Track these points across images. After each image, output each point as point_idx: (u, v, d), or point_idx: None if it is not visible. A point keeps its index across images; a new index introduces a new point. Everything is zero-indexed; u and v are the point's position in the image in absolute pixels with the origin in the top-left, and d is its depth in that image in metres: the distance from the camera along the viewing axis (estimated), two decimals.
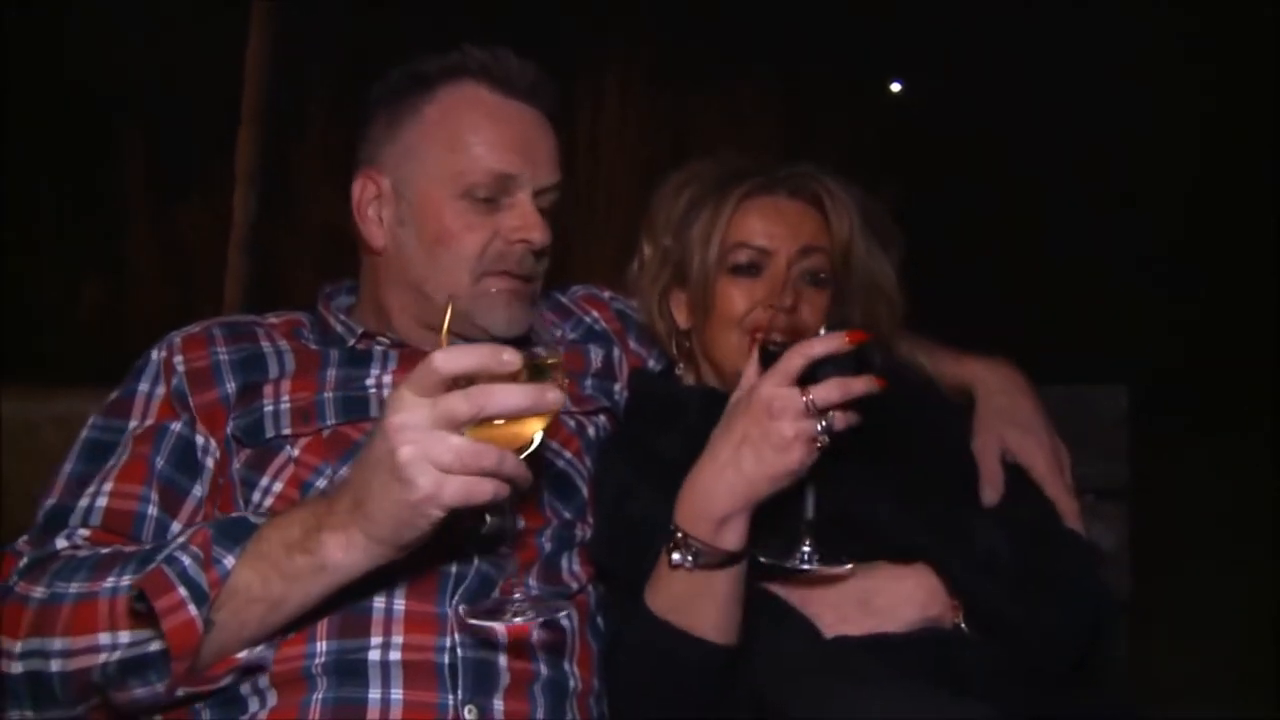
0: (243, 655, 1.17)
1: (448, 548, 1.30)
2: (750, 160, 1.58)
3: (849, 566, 1.30)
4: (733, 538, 1.23)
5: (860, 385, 1.19)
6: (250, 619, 1.15)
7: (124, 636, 1.14)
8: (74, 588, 1.18)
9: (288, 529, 1.14)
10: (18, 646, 1.17)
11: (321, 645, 1.24)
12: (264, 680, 1.22)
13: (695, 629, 1.24)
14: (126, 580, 1.16)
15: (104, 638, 1.14)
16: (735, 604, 1.26)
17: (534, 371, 1.09)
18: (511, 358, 1.06)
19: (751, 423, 1.21)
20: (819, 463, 1.26)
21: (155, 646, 1.13)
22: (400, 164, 1.45)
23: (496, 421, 1.07)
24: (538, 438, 1.12)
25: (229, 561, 1.13)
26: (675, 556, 1.24)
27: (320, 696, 1.21)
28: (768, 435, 1.20)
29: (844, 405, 1.21)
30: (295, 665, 1.22)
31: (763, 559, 1.29)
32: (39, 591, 1.19)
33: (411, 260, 1.44)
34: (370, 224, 1.47)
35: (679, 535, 1.24)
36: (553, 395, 1.08)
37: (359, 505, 1.10)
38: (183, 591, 1.11)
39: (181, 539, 1.16)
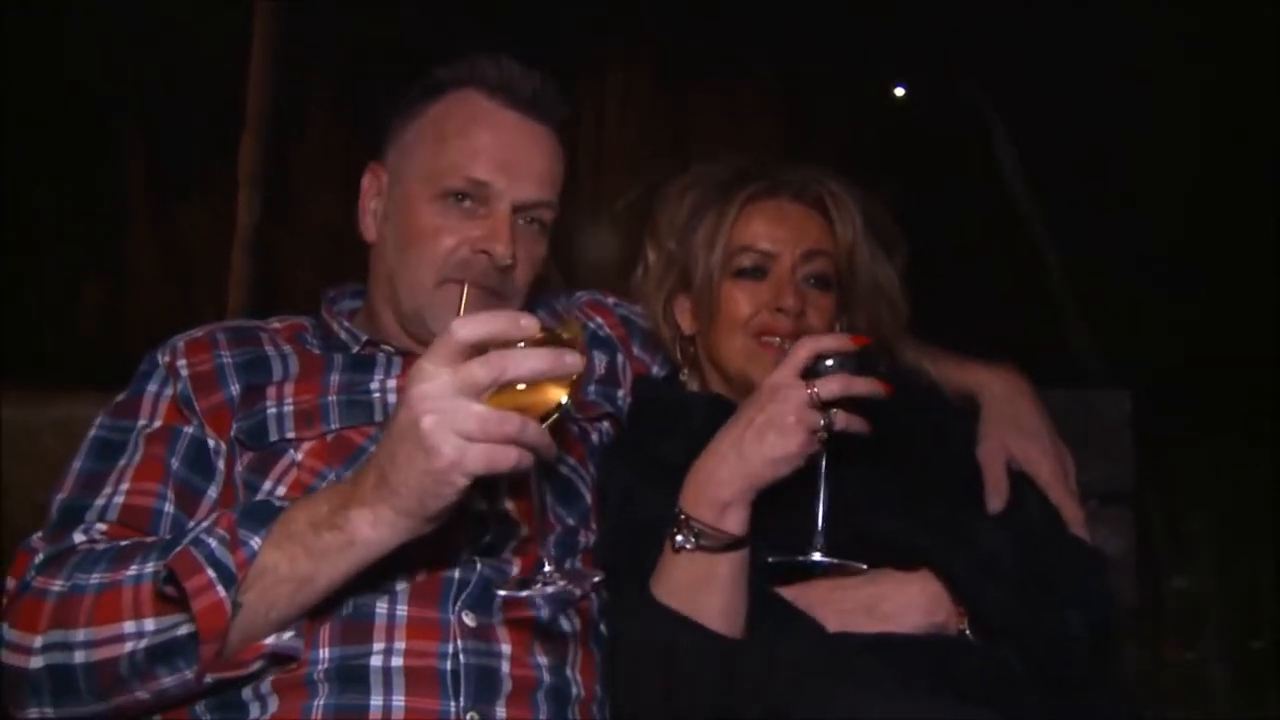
0: (271, 641, 1.17)
1: (450, 553, 1.30)
2: (754, 163, 1.58)
3: (863, 567, 1.32)
4: (735, 522, 1.26)
5: (862, 385, 1.26)
6: (278, 599, 1.14)
7: (149, 624, 1.13)
8: (95, 578, 1.17)
9: (315, 508, 1.14)
10: (38, 641, 1.16)
11: (324, 652, 1.23)
12: (265, 685, 1.22)
13: (698, 616, 1.25)
14: (150, 567, 1.15)
15: (129, 626, 1.14)
16: (738, 593, 1.27)
17: (552, 340, 1.10)
18: (529, 322, 1.08)
19: (757, 409, 1.27)
20: (827, 467, 1.28)
21: (183, 630, 1.13)
22: (398, 161, 1.47)
23: (518, 388, 1.08)
24: (563, 401, 1.13)
25: (255, 542, 1.13)
26: (679, 539, 1.26)
27: (321, 703, 1.21)
28: (771, 419, 1.25)
29: (846, 404, 1.26)
30: (297, 671, 1.22)
31: (771, 559, 1.31)
32: (58, 584, 1.18)
33: (389, 255, 1.45)
34: (366, 215, 1.49)
35: (682, 518, 1.27)
36: (571, 358, 1.09)
37: (384, 479, 1.11)
38: (210, 573, 1.11)
39: (206, 523, 1.16)
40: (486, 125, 1.43)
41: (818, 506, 1.30)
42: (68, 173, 4.01)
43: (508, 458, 1.08)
